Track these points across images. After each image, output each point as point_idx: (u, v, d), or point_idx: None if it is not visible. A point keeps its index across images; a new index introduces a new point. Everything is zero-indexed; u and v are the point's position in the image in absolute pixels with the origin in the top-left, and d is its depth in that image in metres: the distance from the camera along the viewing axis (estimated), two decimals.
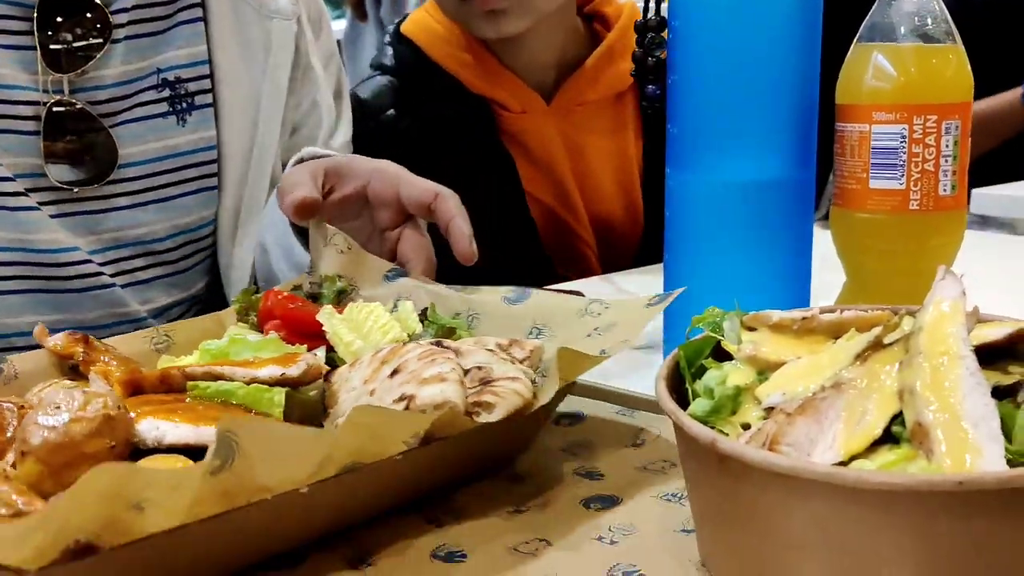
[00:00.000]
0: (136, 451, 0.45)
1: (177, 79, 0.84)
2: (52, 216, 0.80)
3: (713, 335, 0.47)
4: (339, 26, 3.51)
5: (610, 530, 0.47)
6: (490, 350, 0.59)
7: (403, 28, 1.09)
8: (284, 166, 0.88)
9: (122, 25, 0.81)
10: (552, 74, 1.06)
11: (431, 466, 0.50)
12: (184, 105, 0.84)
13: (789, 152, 0.61)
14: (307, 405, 0.56)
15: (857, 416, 0.39)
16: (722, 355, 0.46)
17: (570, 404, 0.63)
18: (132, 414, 0.45)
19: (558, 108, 1.05)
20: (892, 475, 0.34)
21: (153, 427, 0.46)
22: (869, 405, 0.39)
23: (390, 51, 1.09)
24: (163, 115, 0.84)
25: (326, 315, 0.62)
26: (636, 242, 1.09)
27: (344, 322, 0.62)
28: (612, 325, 0.61)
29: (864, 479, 0.34)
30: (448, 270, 0.75)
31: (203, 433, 0.46)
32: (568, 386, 0.56)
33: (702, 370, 0.46)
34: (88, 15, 0.80)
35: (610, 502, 0.51)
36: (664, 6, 0.64)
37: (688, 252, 0.64)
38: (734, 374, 0.44)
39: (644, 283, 0.90)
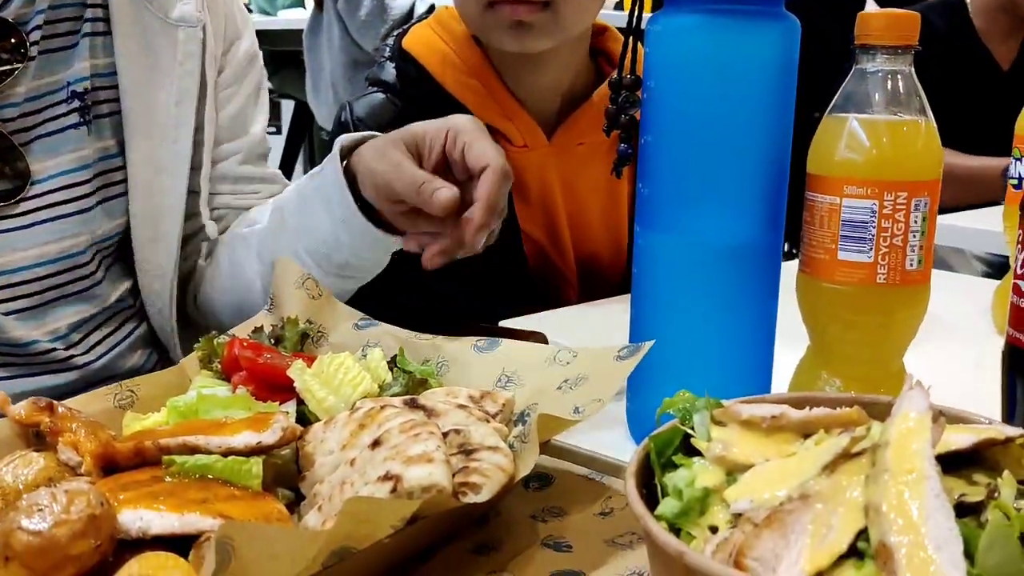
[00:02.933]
0: (121, 542, 0.45)
1: (85, 90, 0.84)
2: None
3: (682, 427, 0.47)
4: (295, 15, 3.45)
5: None
6: (463, 405, 0.60)
7: (405, 44, 1.03)
8: (206, 172, 0.90)
9: (35, 43, 0.81)
10: (556, 105, 1.03)
11: (413, 541, 0.50)
12: (92, 116, 0.84)
13: (758, 215, 0.62)
14: (280, 468, 0.56)
15: (823, 531, 0.39)
16: (692, 447, 0.47)
17: (540, 463, 0.64)
18: (113, 503, 0.45)
19: (558, 145, 1.02)
20: None
21: (136, 518, 0.45)
22: (835, 520, 0.40)
23: (391, 67, 1.03)
24: (75, 126, 0.83)
25: (297, 371, 0.62)
26: (618, 281, 1.08)
27: (315, 377, 0.62)
28: (583, 378, 0.61)
29: None
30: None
31: (189, 521, 0.46)
32: (542, 447, 0.57)
33: (672, 463, 0.46)
34: (7, 40, 0.79)
35: None
36: (640, 65, 0.64)
37: (655, 310, 0.65)
38: (703, 474, 0.44)
39: (609, 315, 0.90)
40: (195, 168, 0.89)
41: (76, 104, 0.83)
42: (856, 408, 0.46)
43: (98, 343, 0.88)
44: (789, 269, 0.64)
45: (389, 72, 1.02)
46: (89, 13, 0.84)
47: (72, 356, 0.86)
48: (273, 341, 0.70)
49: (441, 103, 0.97)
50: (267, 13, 4.20)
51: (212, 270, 0.93)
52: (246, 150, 0.96)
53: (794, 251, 0.66)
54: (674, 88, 0.61)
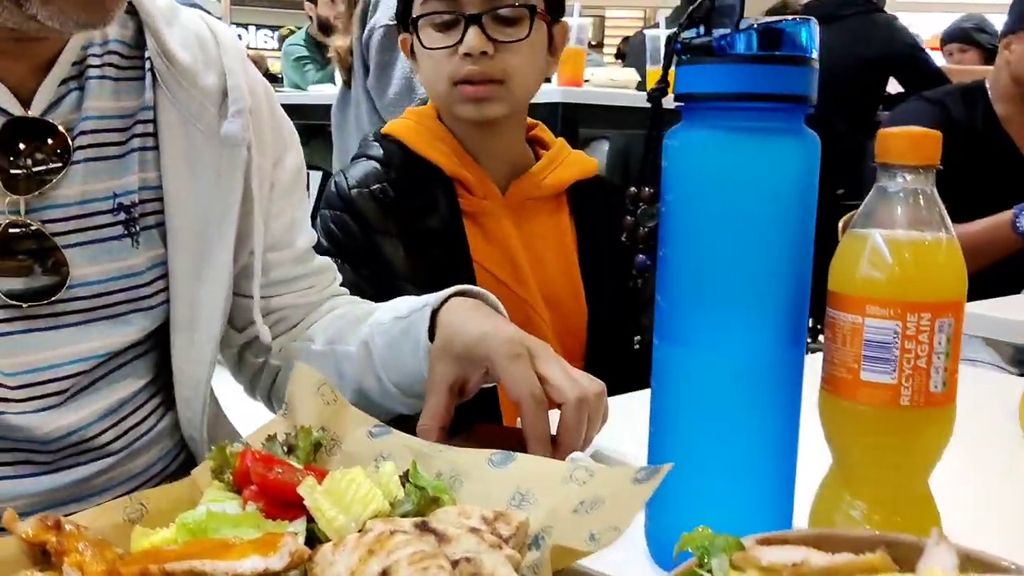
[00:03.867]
0: None
1: (132, 203, 0.85)
2: None
3: (699, 571, 0.46)
4: (325, 90, 3.53)
5: None
6: (475, 528, 0.59)
7: (385, 130, 1.31)
8: (258, 279, 0.92)
9: (82, 148, 0.82)
10: (505, 174, 1.29)
11: None
12: (137, 228, 0.86)
13: (779, 332, 0.61)
14: None
15: None
16: None
17: None
18: None
19: (511, 199, 1.29)
20: None
21: None
22: None
23: (376, 144, 1.31)
24: (118, 238, 0.84)
25: (307, 489, 0.61)
26: (583, 320, 1.31)
27: (326, 495, 0.61)
28: (599, 501, 0.60)
29: None
30: None
31: None
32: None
33: None
34: (50, 141, 0.80)
35: None
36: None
37: (674, 426, 0.64)
38: None
39: (625, 408, 0.89)
40: (248, 276, 0.92)
41: (122, 216, 0.84)
42: (880, 554, 0.44)
43: (125, 432, 0.88)
44: (810, 380, 0.63)
45: (375, 148, 1.30)
46: (139, 128, 0.86)
47: (96, 445, 0.85)
48: (286, 450, 0.69)
49: (416, 166, 1.26)
50: (298, 87, 4.30)
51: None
52: (297, 256, 1.00)
53: (819, 327, 0.65)
54: (692, 203, 0.61)
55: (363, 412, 0.73)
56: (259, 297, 0.93)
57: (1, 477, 0.80)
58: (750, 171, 0.59)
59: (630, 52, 4.67)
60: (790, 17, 0.57)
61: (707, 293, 0.61)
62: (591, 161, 1.38)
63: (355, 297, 1.05)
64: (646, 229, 0.66)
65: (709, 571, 0.46)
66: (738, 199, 0.60)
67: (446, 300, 0.87)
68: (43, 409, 0.81)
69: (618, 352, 1.27)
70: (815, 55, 0.59)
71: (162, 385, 0.92)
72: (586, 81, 2.74)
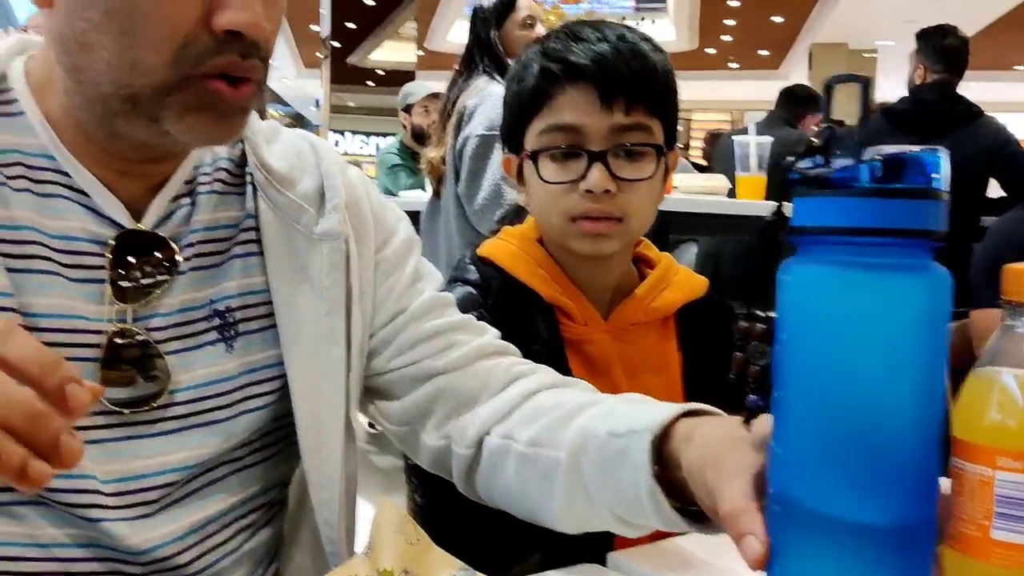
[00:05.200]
0: None
1: (227, 308, 0.86)
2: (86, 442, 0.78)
3: None
4: (415, 196, 3.60)
5: None
6: None
7: (480, 252, 1.25)
8: (356, 376, 0.90)
9: (187, 259, 0.84)
10: (608, 297, 1.23)
11: None
12: (232, 333, 0.87)
13: (910, 492, 0.54)
14: None
15: None
16: None
17: None
18: None
19: (613, 325, 1.22)
20: None
21: None
22: None
23: (472, 268, 1.23)
24: (212, 343, 0.85)
25: None
26: None
27: None
28: None
29: None
30: None
31: None
32: None
33: None
34: (156, 253, 0.83)
35: None
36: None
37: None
38: None
39: None
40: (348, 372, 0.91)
41: (216, 322, 0.86)
42: None
43: (211, 549, 0.87)
44: None
45: (471, 272, 1.22)
46: (242, 236, 0.88)
47: (185, 562, 0.84)
48: None
49: (515, 291, 1.19)
50: (390, 193, 4.41)
51: (496, 477, 0.90)
52: (422, 310, 0.95)
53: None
54: (809, 344, 0.56)
55: (448, 554, 0.69)
56: (357, 391, 0.92)
57: None
58: (871, 311, 0.54)
59: (718, 156, 4.67)
60: (916, 148, 0.53)
61: (828, 448, 0.55)
62: (699, 280, 1.30)
63: (537, 365, 0.96)
64: (757, 367, 0.61)
65: None
66: (858, 341, 0.54)
67: (673, 421, 0.75)
68: (135, 518, 0.81)
69: None
70: (945, 186, 0.54)
71: (251, 508, 0.91)
72: (675, 187, 2.73)
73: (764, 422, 0.63)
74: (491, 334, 0.98)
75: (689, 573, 0.80)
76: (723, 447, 0.67)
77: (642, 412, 0.79)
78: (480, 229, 2.46)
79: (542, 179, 1.16)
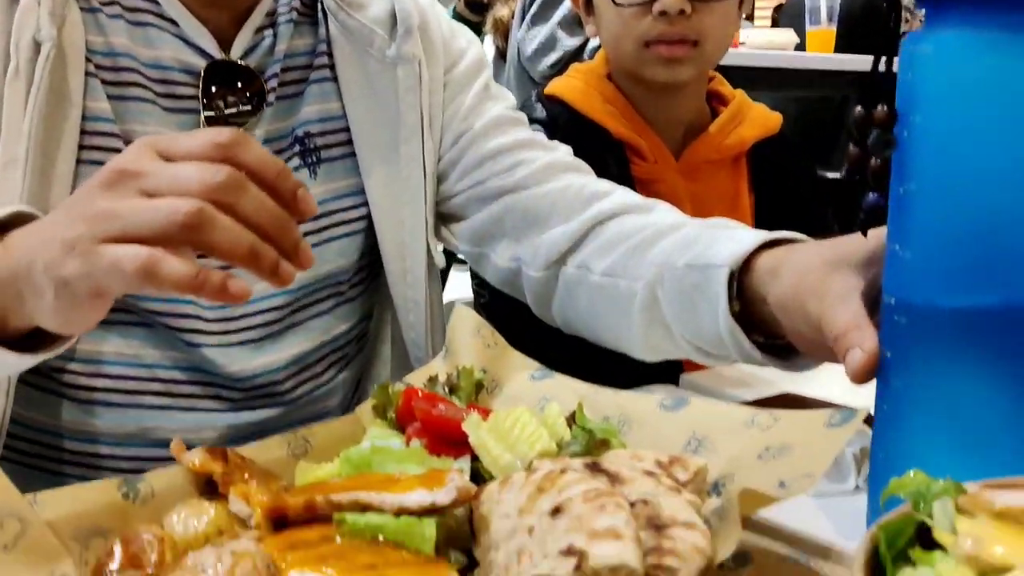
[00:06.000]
0: None
1: (307, 134, 0.87)
2: None
3: (918, 514, 0.40)
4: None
5: None
6: (649, 472, 0.54)
7: (548, 90, 1.22)
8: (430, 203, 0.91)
9: (272, 90, 0.84)
10: (680, 135, 1.21)
11: None
12: (314, 159, 0.87)
13: None
14: (454, 530, 0.53)
15: None
16: (928, 538, 0.40)
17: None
18: (281, 565, 0.43)
19: (684, 164, 1.20)
20: None
21: None
22: None
23: (539, 106, 1.20)
24: (295, 169, 0.86)
25: (472, 425, 0.59)
26: None
27: (491, 432, 0.59)
28: (787, 448, 0.55)
29: None
30: None
31: None
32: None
33: (905, 556, 0.39)
34: (240, 84, 0.83)
35: None
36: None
37: (919, 400, 0.54)
38: (950, 575, 0.37)
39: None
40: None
41: (298, 148, 0.86)
42: None
43: (308, 380, 0.89)
44: None
45: (538, 110, 1.20)
46: (317, 62, 0.88)
47: (279, 391, 0.86)
48: (448, 390, 0.67)
49: (584, 129, 1.16)
50: None
51: (572, 305, 0.87)
52: (485, 129, 0.93)
53: None
54: (951, 124, 0.50)
55: (525, 356, 0.70)
56: (432, 219, 0.92)
57: (190, 409, 0.82)
58: None
59: (783, 18, 4.47)
60: None
61: (969, 237, 0.50)
62: (774, 117, 1.26)
63: (614, 186, 0.90)
64: (879, 161, 0.56)
65: (929, 515, 0.40)
66: (1014, 116, 0.48)
67: (755, 253, 0.70)
68: (235, 345, 0.83)
69: None
70: None
71: (344, 340, 0.93)
72: (741, 43, 2.63)
73: (879, 233, 0.58)
74: (563, 151, 0.94)
75: (763, 389, 0.80)
76: (822, 273, 0.62)
77: (722, 242, 0.73)
78: (532, 75, 2.43)
79: (614, 2, 1.12)
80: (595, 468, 0.53)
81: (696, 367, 0.94)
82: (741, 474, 0.54)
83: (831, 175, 2.40)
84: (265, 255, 0.53)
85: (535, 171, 0.90)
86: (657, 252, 0.79)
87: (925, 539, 0.40)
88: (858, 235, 0.60)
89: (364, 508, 0.49)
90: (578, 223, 0.86)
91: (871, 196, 0.57)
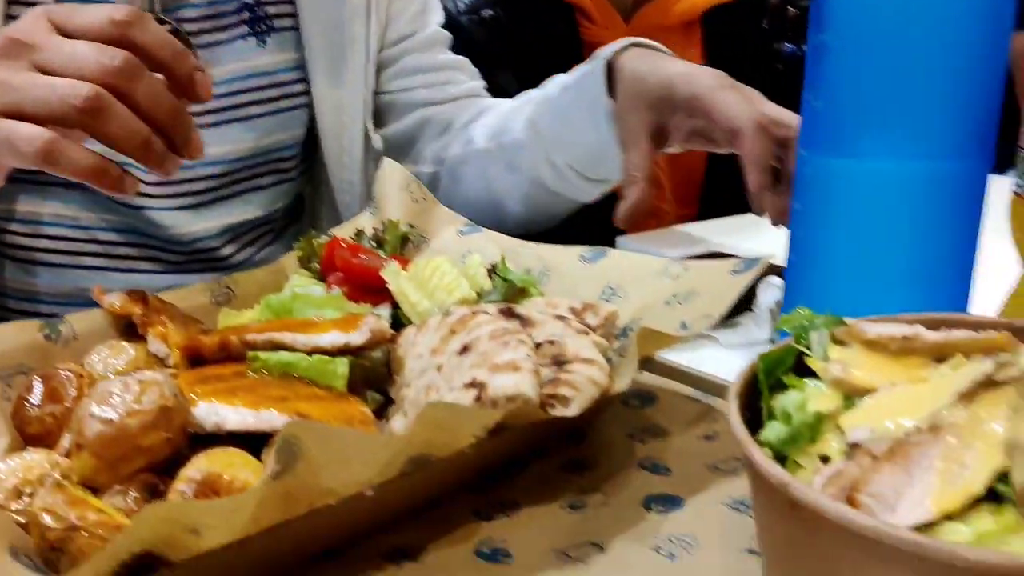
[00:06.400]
0: (194, 437, 0.44)
1: (256, 2, 0.85)
2: None
3: (797, 345, 0.42)
4: None
5: (670, 540, 0.44)
6: (562, 316, 0.56)
7: None
8: (370, 86, 0.91)
9: None
10: (630, 1, 1.19)
11: (495, 454, 0.48)
12: (264, 27, 0.85)
13: (965, 137, 0.52)
14: (370, 371, 0.55)
15: (955, 469, 0.34)
16: (806, 368, 0.42)
17: (641, 380, 0.60)
18: (190, 396, 0.44)
19: (635, 28, 1.15)
20: (990, 554, 0.30)
21: (212, 412, 0.44)
22: (969, 457, 0.34)
23: None
24: (243, 37, 0.84)
25: (392, 273, 0.60)
26: (702, 164, 1.19)
27: (410, 280, 0.60)
28: (693, 293, 0.57)
29: (958, 555, 0.30)
30: None
31: (264, 418, 0.44)
32: (643, 363, 0.53)
33: (781, 384, 0.41)
34: None
35: (673, 504, 0.47)
36: None
37: (825, 249, 0.56)
38: (816, 398, 0.39)
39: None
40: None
41: (246, 15, 0.84)
42: (1004, 333, 0.40)
43: (247, 246, 0.90)
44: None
45: None
46: None
47: (220, 257, 0.88)
48: (374, 244, 0.68)
49: None
50: None
51: (457, 188, 0.95)
52: (427, 41, 0.97)
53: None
54: None
55: (452, 211, 0.71)
56: (371, 103, 0.93)
57: (128, 270, 0.83)
58: None
59: None
60: None
61: (880, 91, 0.51)
62: None
63: (506, 100, 1.00)
64: (797, 10, 0.56)
65: (807, 347, 0.42)
66: None
67: (622, 51, 0.82)
68: (178, 209, 0.83)
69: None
70: None
71: (284, 216, 0.94)
72: None
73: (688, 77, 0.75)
74: (482, 84, 1.01)
75: (694, 248, 0.82)
76: (626, 108, 0.78)
77: (591, 60, 0.83)
78: None
79: None
80: (508, 313, 0.55)
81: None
82: (649, 319, 0.56)
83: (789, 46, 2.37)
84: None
85: (461, 91, 0.97)
86: (530, 100, 0.90)
87: (804, 369, 0.42)
88: (663, 77, 0.75)
89: (278, 347, 0.51)
90: (464, 118, 0.96)
91: (787, 46, 0.58)
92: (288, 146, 0.89)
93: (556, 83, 0.87)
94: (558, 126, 0.84)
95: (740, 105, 0.72)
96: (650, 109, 0.77)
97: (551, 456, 0.52)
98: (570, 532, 0.45)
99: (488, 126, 0.93)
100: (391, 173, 0.72)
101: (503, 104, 0.95)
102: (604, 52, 0.82)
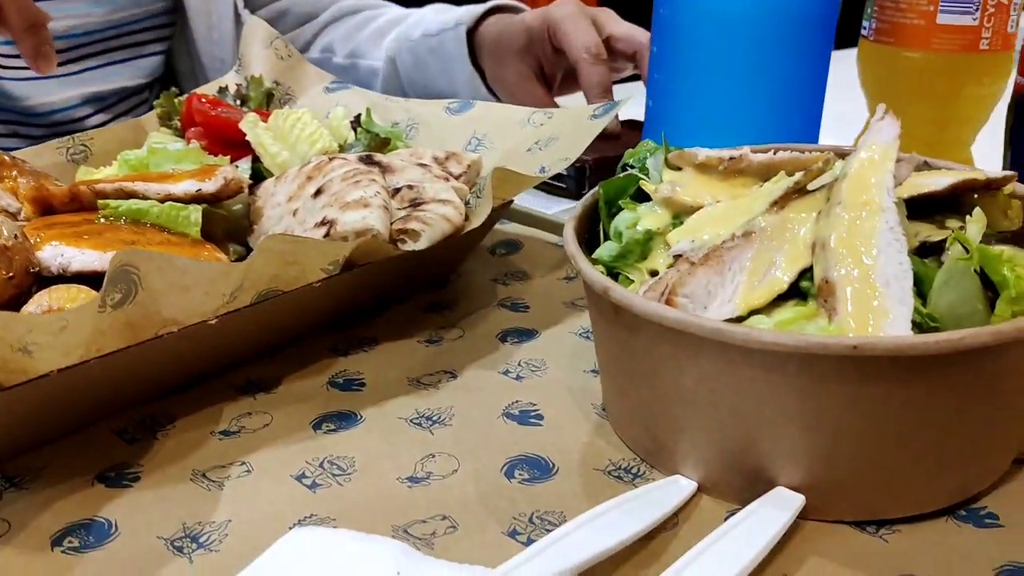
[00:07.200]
0: (42, 279, 0.43)
1: None
2: None
3: (636, 174, 0.43)
4: None
5: (519, 364, 0.46)
6: (424, 164, 0.57)
7: None
8: None
9: None
10: None
11: (350, 292, 0.48)
12: None
13: None
14: (229, 221, 0.54)
15: (764, 268, 0.36)
16: (646, 196, 0.43)
17: (508, 231, 0.61)
18: (35, 239, 0.43)
19: None
20: (783, 335, 0.32)
21: (57, 254, 0.43)
22: (778, 258, 0.36)
23: None
24: None
25: (249, 124, 0.59)
26: None
27: (269, 131, 0.59)
28: (553, 139, 0.57)
29: (753, 338, 0.32)
30: None
31: (110, 260, 0.44)
32: (503, 207, 0.54)
33: (619, 208, 0.43)
34: None
35: (527, 336, 0.49)
36: None
37: (679, 89, 0.58)
38: (647, 217, 0.41)
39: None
40: None
41: None
42: (828, 153, 0.41)
43: (111, 119, 0.88)
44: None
45: None
46: None
47: (83, 129, 0.84)
48: (238, 101, 0.67)
49: None
50: None
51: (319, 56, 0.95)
52: None
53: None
54: None
55: (321, 70, 0.70)
56: None
57: None
58: None
59: None
60: None
61: None
62: None
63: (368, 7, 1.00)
64: None
65: (645, 173, 0.44)
66: None
67: (482, 19, 0.83)
68: (30, 80, 0.80)
69: None
70: None
71: (145, 86, 0.91)
72: None
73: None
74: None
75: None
76: (499, 61, 0.81)
77: (455, 12, 0.85)
78: None
79: None
80: (369, 160, 0.55)
81: None
82: (510, 164, 0.56)
83: None
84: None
85: None
86: (393, 35, 0.91)
87: (642, 195, 0.43)
88: (520, 24, 0.79)
89: (129, 196, 0.50)
90: (322, 16, 0.95)
91: None
92: (140, 19, 0.86)
93: (418, 25, 0.88)
94: (414, 71, 0.87)
95: (579, 35, 0.74)
96: (519, 59, 0.79)
97: (415, 299, 0.53)
98: (425, 363, 0.47)
99: (347, 41, 0.93)
100: (255, 30, 0.70)
101: (367, 17, 0.94)
102: (465, 17, 0.84)
